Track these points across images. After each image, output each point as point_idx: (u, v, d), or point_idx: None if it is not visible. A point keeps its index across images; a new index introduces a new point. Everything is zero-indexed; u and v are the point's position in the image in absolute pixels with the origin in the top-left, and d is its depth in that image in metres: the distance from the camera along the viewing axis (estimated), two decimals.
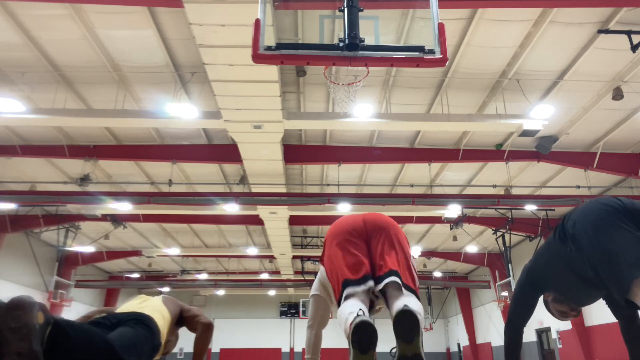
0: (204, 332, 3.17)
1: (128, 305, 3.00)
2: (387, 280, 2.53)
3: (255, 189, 13.51)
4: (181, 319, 3.22)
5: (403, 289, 2.50)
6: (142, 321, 2.71)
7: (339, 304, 2.60)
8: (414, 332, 2.13)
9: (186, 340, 3.20)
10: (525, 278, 3.25)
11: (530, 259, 3.31)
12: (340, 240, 2.81)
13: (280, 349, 30.07)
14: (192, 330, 3.23)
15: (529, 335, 19.94)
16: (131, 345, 2.46)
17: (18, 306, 1.91)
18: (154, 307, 2.96)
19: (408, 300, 2.38)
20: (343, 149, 12.95)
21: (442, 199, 13.40)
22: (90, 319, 2.79)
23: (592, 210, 2.76)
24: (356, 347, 2.11)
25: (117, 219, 16.78)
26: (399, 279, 2.53)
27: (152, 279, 25.75)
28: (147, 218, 17.00)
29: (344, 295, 2.55)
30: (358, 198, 13.60)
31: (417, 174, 14.18)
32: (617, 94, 9.85)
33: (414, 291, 2.53)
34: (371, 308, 2.66)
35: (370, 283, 2.58)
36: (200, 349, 3.15)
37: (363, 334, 2.09)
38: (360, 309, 2.29)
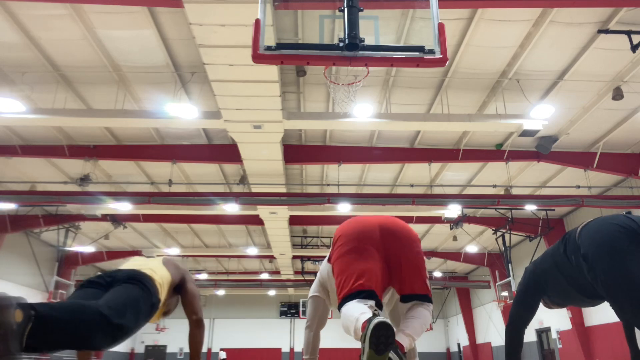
0: (195, 328, 3.13)
1: (125, 264, 2.95)
2: (418, 302, 2.79)
3: (255, 189, 13.51)
4: (181, 288, 3.15)
5: (423, 305, 2.78)
6: (137, 279, 2.62)
7: (340, 306, 2.59)
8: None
9: (186, 340, 3.19)
10: (528, 279, 3.24)
11: (534, 260, 3.32)
12: (355, 245, 2.77)
13: (280, 349, 30.07)
14: (185, 313, 3.18)
15: (529, 335, 19.93)
16: (125, 306, 2.38)
17: None
18: (151, 266, 2.90)
19: (412, 327, 2.63)
20: (343, 149, 12.95)
21: (442, 199, 13.40)
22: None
23: (605, 232, 2.74)
24: (373, 348, 2.09)
25: (117, 219, 16.77)
26: (425, 303, 2.78)
27: None
28: (147, 218, 16.99)
29: (350, 302, 2.54)
30: (358, 198, 13.60)
31: (417, 174, 14.18)
32: (617, 94, 9.85)
33: (429, 300, 2.83)
34: None
35: (373, 304, 2.55)
36: (195, 347, 3.11)
37: (381, 335, 2.08)
38: (376, 310, 2.29)
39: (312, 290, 3.40)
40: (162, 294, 2.81)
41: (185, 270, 3.25)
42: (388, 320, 2.12)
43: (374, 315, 2.19)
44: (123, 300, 2.41)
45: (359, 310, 2.36)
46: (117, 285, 2.56)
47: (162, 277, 2.86)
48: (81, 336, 2.12)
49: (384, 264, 2.75)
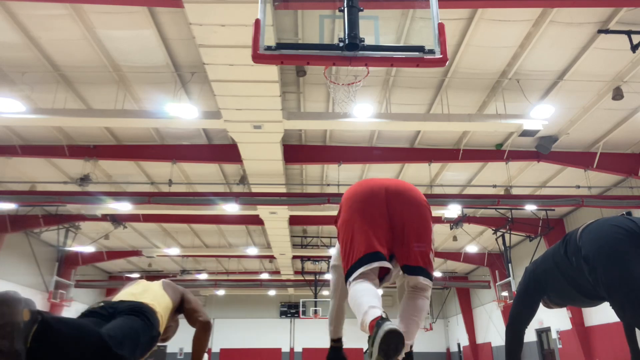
0: (202, 330, 3.11)
1: (127, 292, 2.93)
2: (415, 278, 2.60)
3: (255, 189, 13.51)
4: (181, 307, 3.15)
5: (425, 289, 2.63)
6: (140, 311, 2.63)
7: (348, 275, 2.51)
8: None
9: (186, 340, 3.19)
10: (528, 279, 3.25)
11: (535, 260, 3.33)
12: (359, 206, 2.65)
13: (280, 349, 30.06)
14: (190, 324, 3.17)
15: (529, 335, 19.93)
16: (126, 337, 2.38)
17: (2, 302, 1.83)
18: (153, 295, 2.89)
19: (409, 329, 2.52)
20: (343, 149, 12.95)
21: (442, 199, 13.39)
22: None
23: (606, 233, 2.76)
24: (382, 355, 2.06)
25: (117, 219, 16.77)
26: (426, 279, 2.61)
27: (152, 279, 25.74)
28: (147, 218, 16.99)
29: (357, 272, 2.47)
30: None
31: (417, 174, 14.18)
32: (617, 94, 9.85)
33: (430, 277, 2.65)
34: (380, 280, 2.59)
35: (383, 263, 2.49)
36: (198, 349, 3.10)
37: (391, 343, 2.04)
38: (384, 313, 2.20)
39: (333, 259, 3.31)
40: (162, 326, 2.81)
41: (184, 289, 3.25)
42: (397, 327, 2.08)
43: (383, 319, 2.13)
44: (123, 330, 2.42)
45: (368, 301, 2.28)
46: (119, 316, 2.56)
47: (163, 309, 2.86)
48: (80, 355, 2.13)
49: (388, 229, 2.60)
